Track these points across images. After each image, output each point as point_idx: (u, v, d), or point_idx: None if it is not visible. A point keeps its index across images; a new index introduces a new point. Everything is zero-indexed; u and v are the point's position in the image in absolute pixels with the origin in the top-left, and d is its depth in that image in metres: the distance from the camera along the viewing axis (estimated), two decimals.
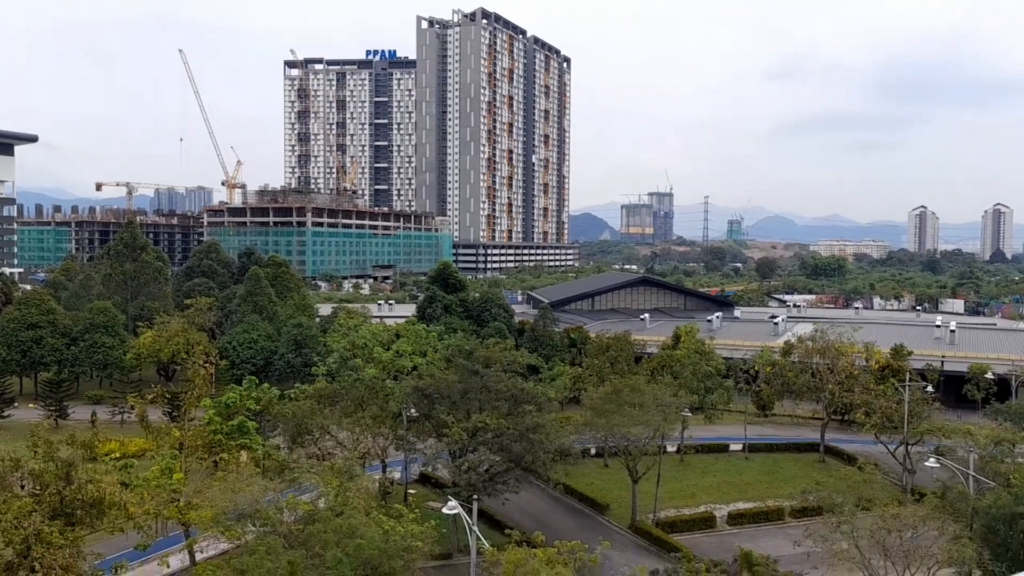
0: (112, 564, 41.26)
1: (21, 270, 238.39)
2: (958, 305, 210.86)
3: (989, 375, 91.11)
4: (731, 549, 48.64)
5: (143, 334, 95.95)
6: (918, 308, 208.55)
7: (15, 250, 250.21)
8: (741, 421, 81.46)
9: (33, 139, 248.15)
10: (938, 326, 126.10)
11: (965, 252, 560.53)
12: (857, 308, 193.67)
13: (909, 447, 65.37)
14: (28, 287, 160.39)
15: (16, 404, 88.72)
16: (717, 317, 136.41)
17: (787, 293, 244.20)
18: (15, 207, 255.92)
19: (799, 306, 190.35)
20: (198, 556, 47.64)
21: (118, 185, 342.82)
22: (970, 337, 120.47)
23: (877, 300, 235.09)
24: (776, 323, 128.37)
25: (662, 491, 60.90)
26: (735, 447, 78.00)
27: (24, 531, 35.12)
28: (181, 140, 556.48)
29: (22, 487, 38.77)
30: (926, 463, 52.13)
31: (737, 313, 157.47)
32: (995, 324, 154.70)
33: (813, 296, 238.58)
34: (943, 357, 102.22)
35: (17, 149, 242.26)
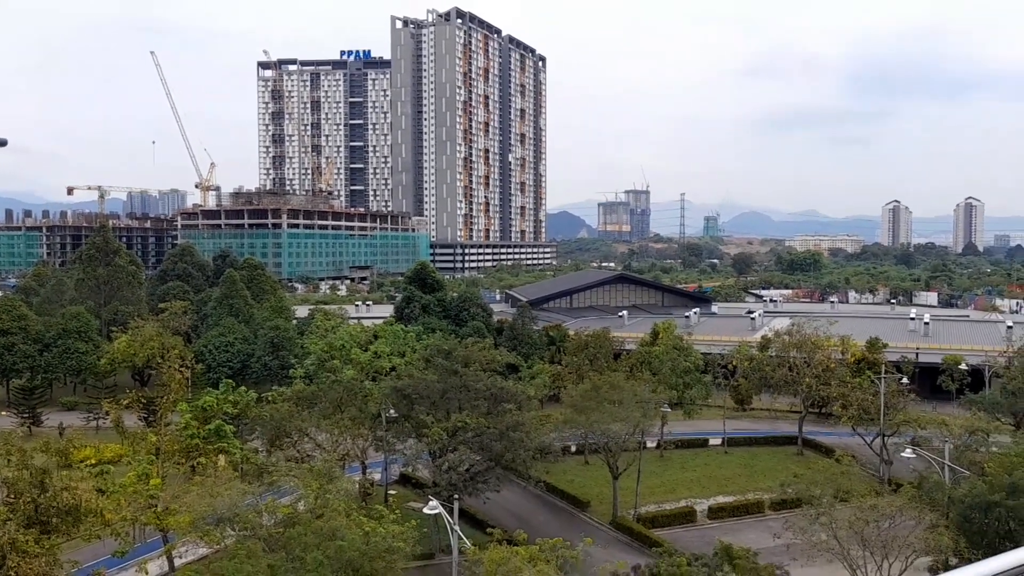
0: (90, 572, 40.84)
1: None
2: (931, 298, 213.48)
3: (963, 366, 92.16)
4: (712, 543, 48.87)
5: (117, 339, 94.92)
6: (892, 301, 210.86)
7: None
8: (720, 416, 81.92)
9: (2, 143, 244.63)
10: (912, 319, 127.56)
11: (938, 245, 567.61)
12: (833, 302, 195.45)
13: (886, 438, 66.01)
14: None
15: None
16: (695, 313, 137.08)
17: (764, 288, 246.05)
18: None
19: (776, 301, 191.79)
20: (177, 562, 47.27)
21: (90, 189, 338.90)
22: (944, 329, 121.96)
23: (852, 294, 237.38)
24: (753, 318, 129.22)
25: (643, 487, 61.11)
26: (714, 441, 78.43)
27: None
28: (153, 143, 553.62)
29: None
30: (902, 454, 52.76)
31: (715, 309, 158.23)
32: (968, 316, 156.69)
33: (789, 291, 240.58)
34: (918, 349, 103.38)
35: None
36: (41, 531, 37.21)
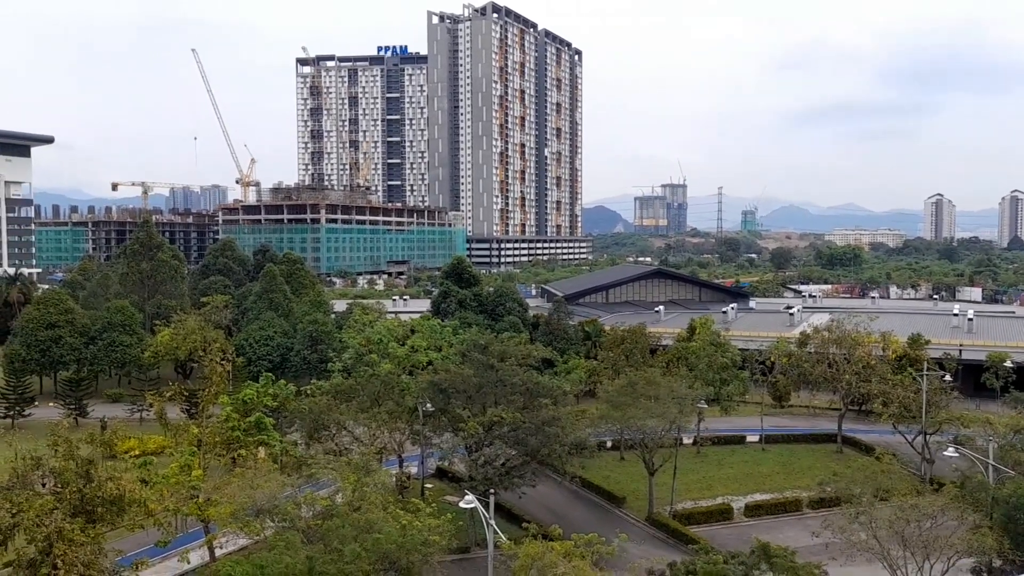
0: (133, 561, 41.67)
1: (39, 270, 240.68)
2: (975, 293, 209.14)
3: (1008, 363, 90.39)
4: (749, 541, 48.50)
5: (160, 332, 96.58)
6: (935, 297, 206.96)
7: (33, 250, 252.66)
8: (757, 412, 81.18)
9: (49, 140, 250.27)
10: (956, 315, 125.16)
11: (982, 239, 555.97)
12: (873, 297, 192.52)
13: (927, 437, 64.96)
14: (46, 287, 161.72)
15: (36, 403, 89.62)
16: (732, 308, 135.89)
17: (802, 283, 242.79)
18: (32, 208, 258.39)
19: (815, 296, 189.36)
20: (218, 552, 48.05)
21: (134, 185, 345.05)
22: (988, 325, 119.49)
23: (894, 289, 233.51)
24: (792, 314, 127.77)
25: (679, 483, 60.82)
26: (752, 438, 77.76)
27: (46, 529, 35.49)
28: (195, 139, 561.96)
29: (43, 485, 39.16)
30: (945, 453, 51.80)
31: (752, 304, 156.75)
32: (1013, 312, 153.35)
33: (829, 286, 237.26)
34: (961, 346, 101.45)
35: (33, 151, 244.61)
36: (86, 520, 38.00)
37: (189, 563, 45.84)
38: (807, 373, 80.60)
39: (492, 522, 37.73)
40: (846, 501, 44.68)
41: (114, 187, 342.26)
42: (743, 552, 36.99)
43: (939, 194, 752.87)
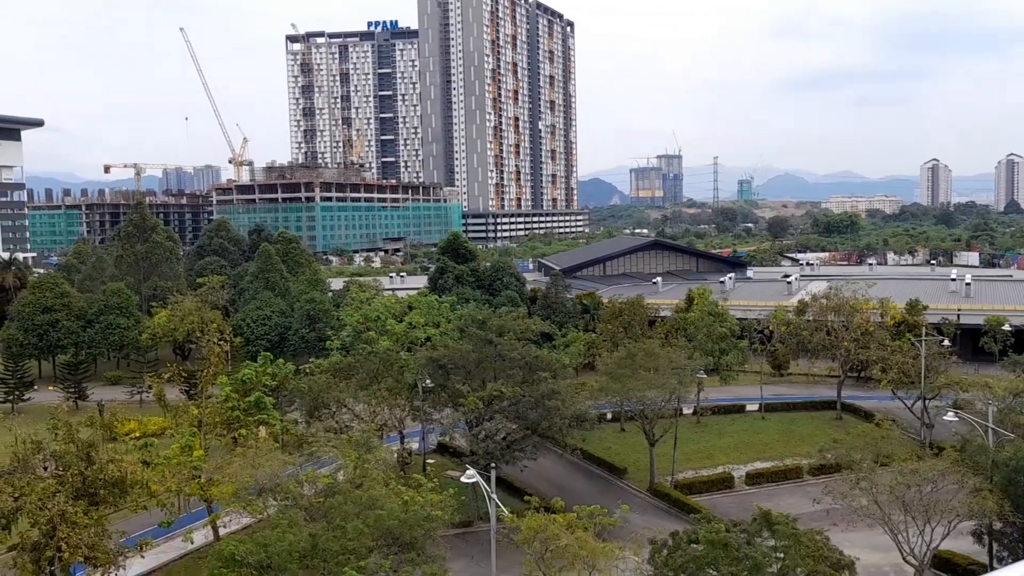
0: (136, 542, 41.79)
1: (34, 255, 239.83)
2: (973, 258, 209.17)
3: (1006, 327, 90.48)
4: (750, 509, 48.70)
5: (157, 314, 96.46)
6: (932, 262, 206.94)
7: (27, 235, 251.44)
8: (757, 381, 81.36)
9: (39, 123, 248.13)
10: (953, 279, 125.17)
11: (979, 204, 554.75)
12: (871, 264, 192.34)
13: (927, 402, 65.12)
14: (42, 271, 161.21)
15: (36, 387, 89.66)
16: (730, 278, 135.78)
17: (800, 252, 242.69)
18: (25, 192, 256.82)
19: (812, 264, 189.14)
20: (222, 531, 48.24)
21: (126, 167, 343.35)
22: (986, 289, 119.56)
23: (891, 255, 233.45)
24: (789, 282, 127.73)
25: (679, 453, 61.01)
26: (751, 407, 77.98)
27: (49, 512, 35.58)
28: (187, 119, 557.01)
29: (45, 469, 39.22)
30: (944, 417, 51.90)
31: (750, 273, 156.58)
32: (1011, 276, 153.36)
33: (826, 254, 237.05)
34: (959, 310, 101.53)
35: (24, 134, 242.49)
36: (89, 503, 38.12)
37: (193, 543, 46.03)
38: (806, 341, 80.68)
39: (494, 496, 37.80)
40: (846, 467, 44.76)
41: (107, 169, 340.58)
42: (745, 520, 37.11)
43: (935, 159, 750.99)
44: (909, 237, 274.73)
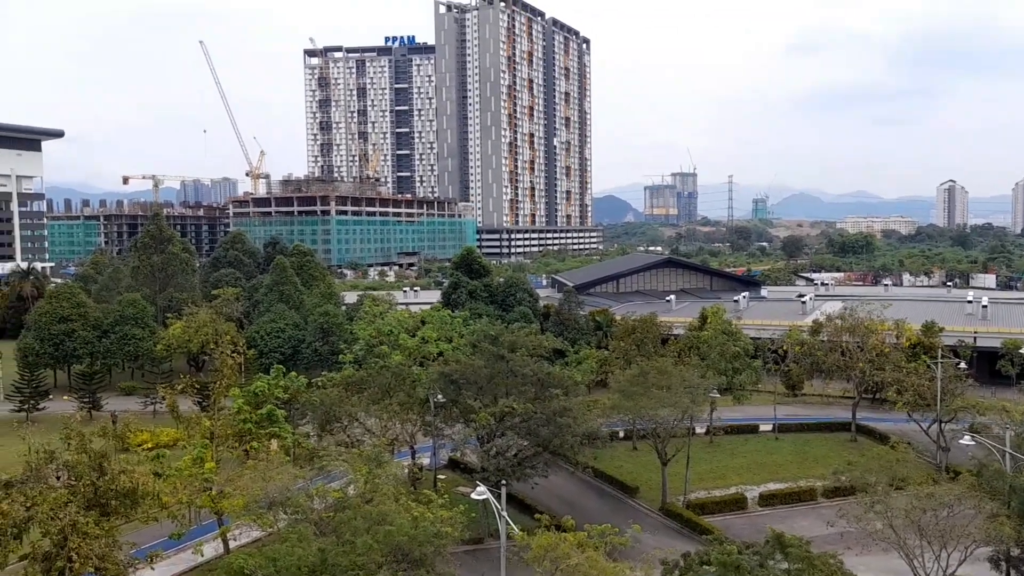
0: (147, 553, 41.79)
1: (52, 264, 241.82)
2: (989, 280, 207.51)
3: (1023, 350, 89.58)
4: (763, 530, 48.27)
5: (172, 325, 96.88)
6: (949, 284, 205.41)
7: (46, 244, 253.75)
8: (770, 401, 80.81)
9: (59, 134, 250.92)
10: (970, 301, 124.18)
11: (996, 226, 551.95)
12: (886, 285, 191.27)
13: (943, 425, 64.47)
14: (59, 281, 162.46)
15: (51, 397, 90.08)
16: (744, 297, 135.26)
17: (814, 271, 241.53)
18: (44, 202, 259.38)
19: (827, 284, 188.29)
20: (232, 544, 48.17)
21: (144, 178, 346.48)
22: (1003, 312, 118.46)
23: (907, 276, 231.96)
24: (804, 302, 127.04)
25: (692, 473, 60.58)
26: (765, 427, 77.39)
27: (60, 522, 35.60)
28: (204, 132, 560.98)
29: (57, 479, 39.28)
30: (961, 441, 51.38)
31: (764, 293, 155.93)
32: None
33: (841, 274, 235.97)
34: (976, 333, 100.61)
35: (44, 144, 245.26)
36: (100, 513, 38.10)
37: (203, 555, 45.95)
38: (820, 361, 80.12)
39: (504, 513, 37.61)
40: (861, 490, 44.34)
41: (125, 180, 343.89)
42: (757, 542, 36.74)
43: (951, 180, 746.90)
44: (925, 258, 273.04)
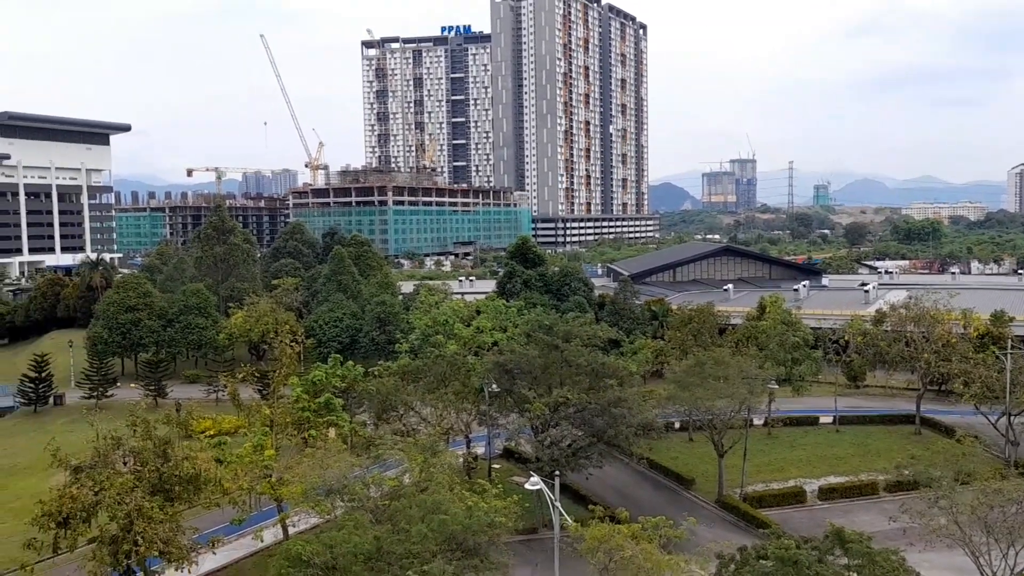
0: (209, 538, 42.87)
1: (120, 255, 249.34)
2: None
3: None
4: (822, 525, 47.35)
5: (234, 315, 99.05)
6: (1020, 271, 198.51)
7: (114, 236, 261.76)
8: (831, 393, 79.18)
9: (127, 128, 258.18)
10: None
11: None
12: (954, 273, 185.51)
13: (1012, 418, 62.45)
14: (126, 271, 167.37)
15: (118, 384, 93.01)
16: (804, 286, 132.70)
17: (878, 259, 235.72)
18: (112, 195, 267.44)
19: (891, 272, 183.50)
20: (291, 530, 49.11)
21: (207, 170, 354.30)
22: None
23: (975, 264, 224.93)
24: (867, 291, 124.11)
25: (749, 465, 59.72)
26: (825, 420, 75.88)
27: (127, 507, 36.76)
28: (265, 124, 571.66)
29: (124, 464, 40.51)
30: None
31: (825, 281, 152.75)
32: None
33: (906, 262, 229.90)
34: None
35: (112, 139, 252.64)
36: (165, 499, 39.25)
37: (263, 541, 46.99)
38: (883, 352, 78.18)
39: (558, 504, 37.59)
40: (925, 485, 43.13)
41: (189, 173, 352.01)
42: (816, 537, 36.09)
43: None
44: (995, 245, 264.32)
